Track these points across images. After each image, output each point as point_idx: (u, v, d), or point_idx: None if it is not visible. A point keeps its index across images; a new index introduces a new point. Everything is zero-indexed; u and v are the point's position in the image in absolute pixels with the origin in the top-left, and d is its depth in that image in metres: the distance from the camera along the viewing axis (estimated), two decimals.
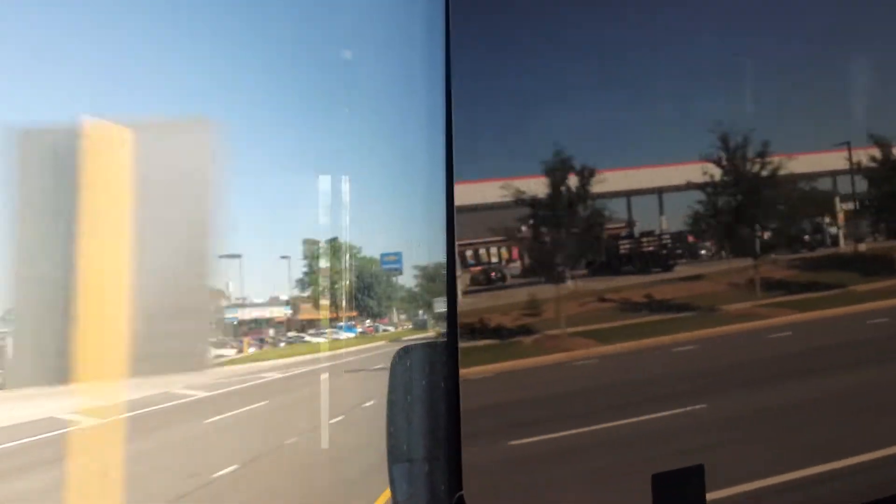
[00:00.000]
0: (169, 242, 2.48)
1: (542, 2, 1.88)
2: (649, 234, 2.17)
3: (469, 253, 1.99)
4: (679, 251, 2.22)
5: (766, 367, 2.15)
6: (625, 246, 2.13)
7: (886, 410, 2.18)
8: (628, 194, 2.12)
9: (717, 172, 2.12)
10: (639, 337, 1.99)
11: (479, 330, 1.77)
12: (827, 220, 2.43)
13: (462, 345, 1.64)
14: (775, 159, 2.19)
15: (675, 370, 2.02)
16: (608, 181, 2.01)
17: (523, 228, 2.13)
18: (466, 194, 1.76)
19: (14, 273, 2.42)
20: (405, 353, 1.75)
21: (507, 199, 1.94)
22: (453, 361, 1.64)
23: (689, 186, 2.20)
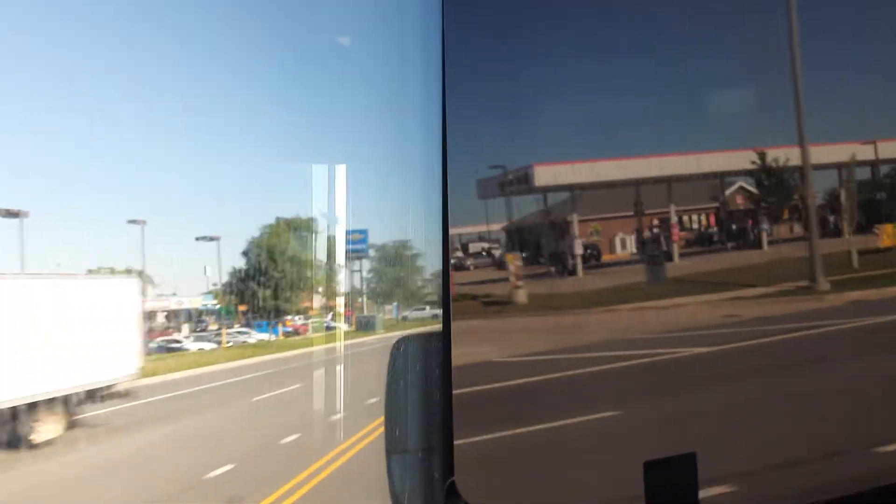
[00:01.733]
0: None
1: None
2: (645, 221, 2.17)
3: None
4: (662, 238, 2.24)
5: None
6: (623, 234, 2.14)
7: None
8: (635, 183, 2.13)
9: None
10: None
11: (472, 319, 1.78)
12: None
13: (455, 335, 1.65)
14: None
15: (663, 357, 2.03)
16: (623, 169, 2.03)
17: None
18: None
19: None
20: (403, 342, 1.75)
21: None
22: (448, 351, 1.65)
23: (695, 177, 2.22)
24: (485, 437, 1.71)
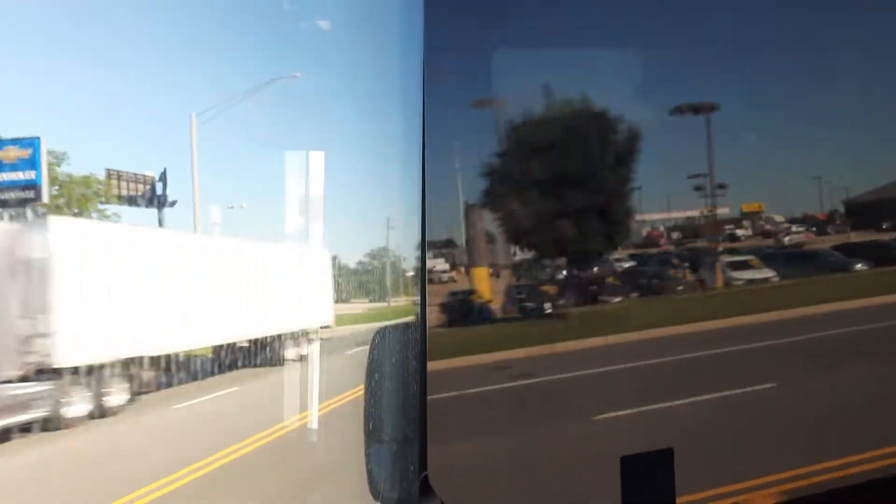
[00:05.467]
0: None
1: None
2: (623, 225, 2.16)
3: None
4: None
5: None
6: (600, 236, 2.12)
7: None
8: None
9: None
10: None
11: (447, 316, 1.77)
12: None
13: (431, 332, 1.64)
14: None
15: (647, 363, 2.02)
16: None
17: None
18: None
19: None
20: (381, 334, 1.76)
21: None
22: (425, 343, 1.65)
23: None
24: (460, 433, 1.70)
